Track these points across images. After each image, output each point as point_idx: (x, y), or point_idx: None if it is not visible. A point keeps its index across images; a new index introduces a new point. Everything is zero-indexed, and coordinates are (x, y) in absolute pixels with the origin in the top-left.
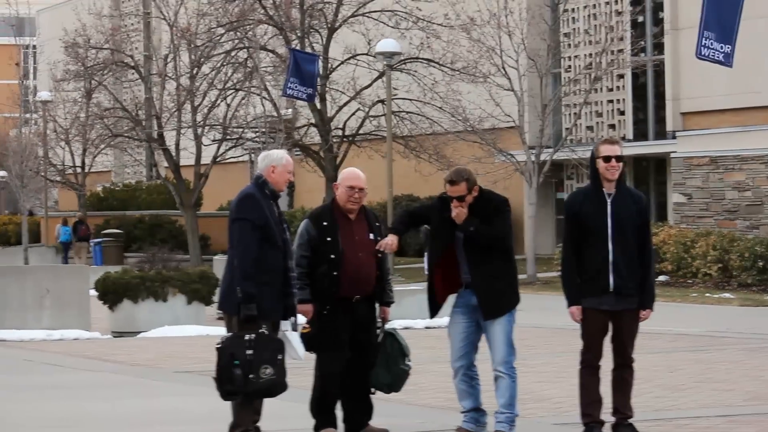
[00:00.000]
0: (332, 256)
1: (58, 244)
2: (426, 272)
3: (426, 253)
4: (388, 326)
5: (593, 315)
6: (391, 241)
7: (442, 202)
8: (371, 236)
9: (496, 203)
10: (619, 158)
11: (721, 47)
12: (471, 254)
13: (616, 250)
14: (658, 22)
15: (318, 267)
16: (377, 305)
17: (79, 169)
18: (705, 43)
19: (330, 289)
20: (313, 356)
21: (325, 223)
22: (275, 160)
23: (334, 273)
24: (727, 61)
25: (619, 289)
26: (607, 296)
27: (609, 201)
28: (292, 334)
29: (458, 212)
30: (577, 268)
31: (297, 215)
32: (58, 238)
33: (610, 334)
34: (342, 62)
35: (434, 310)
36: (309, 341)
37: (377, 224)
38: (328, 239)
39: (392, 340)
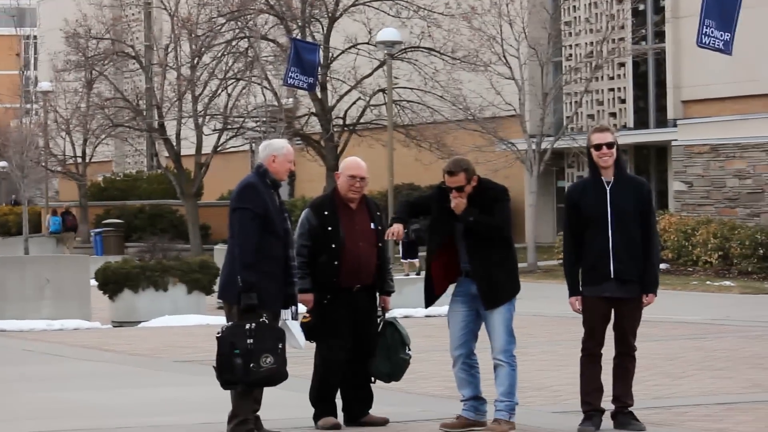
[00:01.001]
0: (333, 246)
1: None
2: (402, 261)
3: (400, 243)
4: (388, 315)
5: (595, 303)
6: (397, 229)
7: (441, 192)
8: (372, 226)
9: (496, 192)
10: (610, 145)
11: (721, 35)
12: (470, 243)
13: (616, 237)
14: (659, 10)
15: (319, 256)
16: (377, 294)
17: (79, 159)
18: (705, 31)
19: (330, 278)
20: (313, 345)
21: (326, 213)
22: (276, 149)
23: (335, 262)
24: (727, 48)
25: (620, 275)
26: (608, 283)
27: (608, 189)
28: (292, 323)
29: (457, 203)
30: (578, 257)
31: (298, 204)
32: (49, 229)
33: (612, 322)
34: (343, 51)
35: (430, 301)
36: (309, 330)
37: (378, 213)
38: (329, 228)
39: (392, 330)
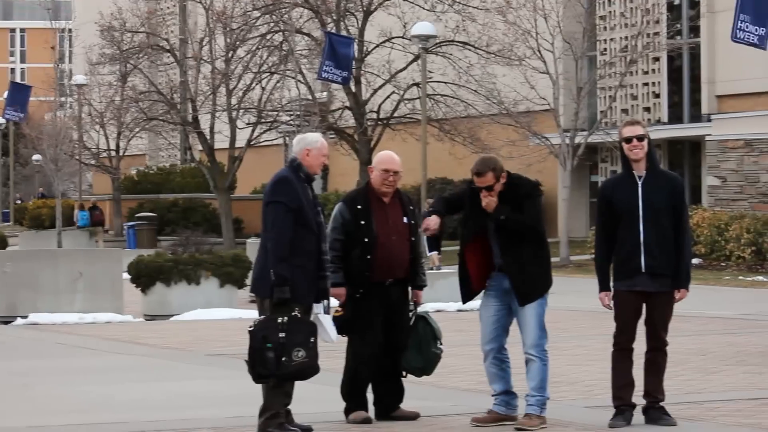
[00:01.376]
0: (366, 240)
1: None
2: (428, 254)
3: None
4: (420, 310)
5: (627, 297)
6: (434, 220)
7: (472, 191)
8: (405, 220)
9: (526, 188)
10: (640, 138)
11: (756, 30)
12: (503, 239)
13: (648, 230)
14: (694, 4)
15: (352, 250)
16: (410, 288)
17: (113, 153)
18: (740, 26)
19: (363, 272)
20: (345, 339)
21: (359, 207)
22: (310, 143)
23: (368, 256)
24: (762, 43)
25: (652, 269)
26: (640, 277)
27: (640, 183)
28: (324, 317)
29: (488, 202)
30: (610, 252)
31: (331, 198)
32: (77, 223)
33: (644, 317)
34: (377, 45)
35: (468, 297)
36: (342, 324)
37: (411, 207)
38: (362, 222)
39: (424, 324)
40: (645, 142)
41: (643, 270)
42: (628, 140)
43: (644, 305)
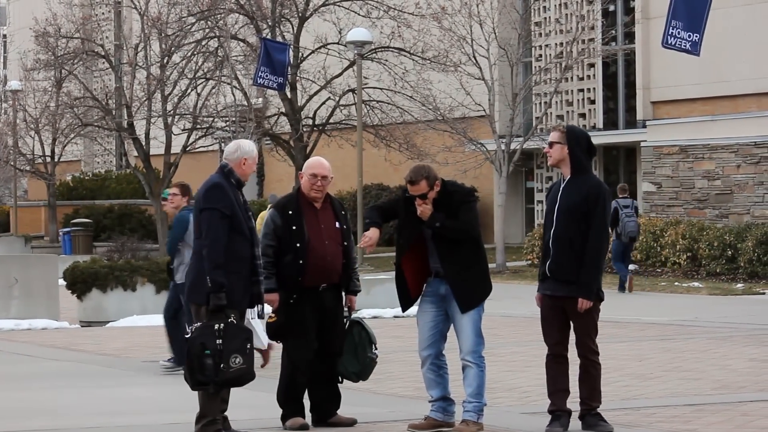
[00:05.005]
0: (298, 245)
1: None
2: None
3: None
4: (354, 315)
5: (542, 300)
6: (373, 234)
7: (407, 199)
8: (337, 224)
9: (461, 195)
10: (550, 144)
11: (689, 36)
12: (440, 246)
13: (555, 235)
14: (629, 11)
15: (284, 256)
16: (343, 294)
17: (48, 159)
18: (672, 32)
19: (296, 277)
20: (278, 345)
21: (290, 212)
22: (247, 152)
23: (300, 261)
24: (694, 49)
25: (553, 273)
26: (547, 280)
27: (561, 187)
28: (256, 322)
29: (422, 210)
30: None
31: (266, 204)
32: None
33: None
34: (313, 51)
35: (407, 304)
36: (275, 330)
37: (343, 212)
38: (294, 228)
39: (360, 329)
40: (555, 148)
41: (548, 274)
42: (550, 145)
43: (564, 310)
